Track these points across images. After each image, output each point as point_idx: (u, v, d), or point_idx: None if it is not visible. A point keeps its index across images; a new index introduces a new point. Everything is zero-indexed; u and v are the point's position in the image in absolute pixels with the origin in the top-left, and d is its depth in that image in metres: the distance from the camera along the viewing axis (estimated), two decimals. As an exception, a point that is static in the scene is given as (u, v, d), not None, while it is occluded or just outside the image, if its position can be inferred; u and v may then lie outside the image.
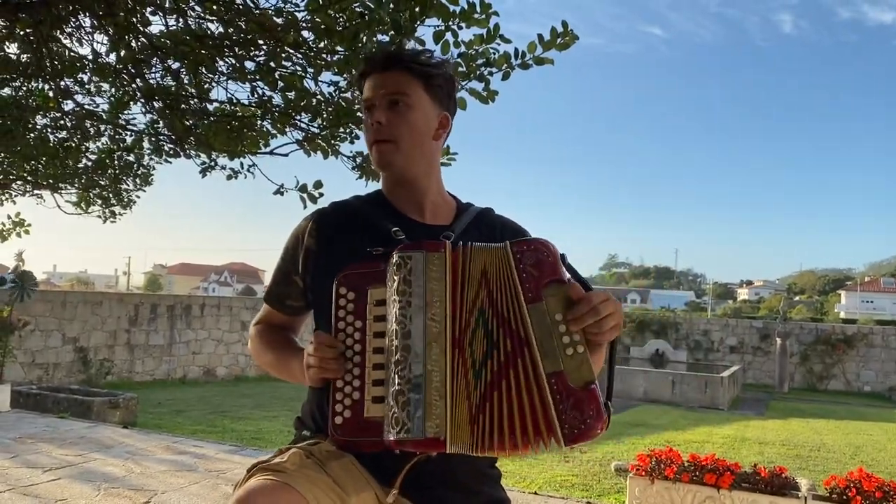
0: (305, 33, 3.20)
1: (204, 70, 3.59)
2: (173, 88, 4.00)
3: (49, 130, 5.56)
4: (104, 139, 5.65)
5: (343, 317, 1.36)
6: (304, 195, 3.84)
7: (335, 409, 1.33)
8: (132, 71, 3.92)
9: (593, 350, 1.29)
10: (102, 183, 6.08)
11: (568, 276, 1.32)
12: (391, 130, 1.49)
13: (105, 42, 4.17)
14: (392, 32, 2.79)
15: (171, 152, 4.68)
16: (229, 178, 4.50)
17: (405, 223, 1.50)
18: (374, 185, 1.65)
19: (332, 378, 1.35)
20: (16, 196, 6.89)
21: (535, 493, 5.28)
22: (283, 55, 3.32)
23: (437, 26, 2.74)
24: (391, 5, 2.79)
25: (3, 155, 5.63)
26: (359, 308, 1.36)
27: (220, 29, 3.52)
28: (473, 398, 1.25)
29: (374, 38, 2.96)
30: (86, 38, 4.43)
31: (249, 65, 3.54)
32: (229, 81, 3.82)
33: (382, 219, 1.51)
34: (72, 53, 4.57)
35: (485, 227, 1.58)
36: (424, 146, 1.52)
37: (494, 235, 1.58)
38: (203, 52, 3.35)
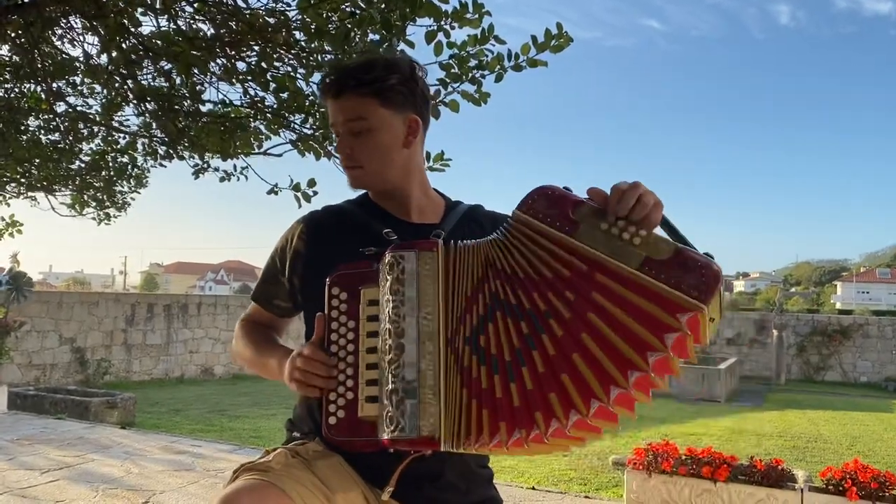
0: (297, 34, 3.19)
1: (196, 71, 3.58)
2: (165, 90, 4.00)
3: (41, 132, 5.54)
4: (97, 141, 5.64)
5: (336, 317, 1.37)
6: (298, 194, 3.85)
7: (329, 410, 1.34)
8: (124, 72, 3.91)
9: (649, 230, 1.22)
10: (96, 185, 6.07)
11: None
12: (356, 156, 1.51)
13: (96, 43, 4.17)
14: (383, 32, 2.78)
15: (165, 155, 4.68)
16: (222, 180, 4.50)
17: (394, 224, 1.52)
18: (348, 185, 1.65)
19: (313, 396, 1.36)
20: (10, 198, 6.88)
21: (533, 488, 5.30)
22: (275, 56, 3.32)
23: (430, 26, 2.73)
24: (382, 5, 2.78)
25: (-5, 157, 5.61)
26: (351, 308, 1.37)
27: (211, 30, 3.52)
28: (498, 389, 1.22)
29: (366, 38, 2.95)
30: (77, 39, 4.42)
31: (241, 65, 3.54)
32: (221, 82, 3.81)
33: (372, 220, 1.53)
34: (63, 55, 4.56)
35: (474, 223, 1.59)
36: (395, 159, 1.52)
37: (484, 231, 1.58)
38: (194, 52, 3.33)
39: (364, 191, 1.62)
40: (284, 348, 1.54)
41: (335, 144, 1.60)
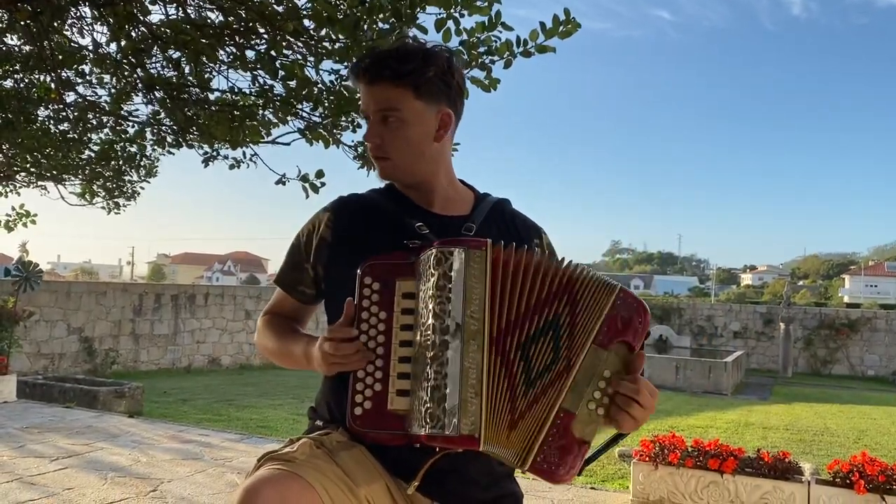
0: (306, 21, 3.18)
1: (204, 59, 3.58)
2: (174, 78, 4.00)
3: (51, 122, 5.56)
4: (106, 130, 5.66)
5: (367, 307, 1.35)
6: (306, 184, 3.85)
7: (355, 400, 1.33)
8: (133, 61, 3.92)
9: (608, 423, 1.31)
10: (106, 174, 6.09)
11: (641, 348, 1.33)
12: (385, 147, 1.49)
13: (105, 32, 4.17)
14: (393, 20, 2.77)
15: (174, 143, 4.68)
16: (231, 167, 4.51)
17: (423, 216, 1.51)
18: (375, 175, 1.65)
19: (350, 370, 1.35)
20: (20, 187, 6.91)
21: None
22: (284, 44, 3.31)
23: (439, 14, 2.72)
24: (391, -7, 2.76)
25: (6, 147, 5.64)
26: (385, 299, 1.35)
27: (220, 18, 3.51)
28: (520, 403, 1.27)
29: (375, 26, 2.94)
30: (86, 28, 4.43)
31: (250, 54, 3.54)
32: (230, 71, 3.81)
33: (401, 212, 1.52)
34: (72, 44, 4.56)
35: (501, 219, 1.59)
36: (424, 153, 1.51)
37: (509, 228, 1.60)
38: (203, 41, 3.33)
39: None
40: (308, 336, 1.53)
41: (364, 131, 1.57)
